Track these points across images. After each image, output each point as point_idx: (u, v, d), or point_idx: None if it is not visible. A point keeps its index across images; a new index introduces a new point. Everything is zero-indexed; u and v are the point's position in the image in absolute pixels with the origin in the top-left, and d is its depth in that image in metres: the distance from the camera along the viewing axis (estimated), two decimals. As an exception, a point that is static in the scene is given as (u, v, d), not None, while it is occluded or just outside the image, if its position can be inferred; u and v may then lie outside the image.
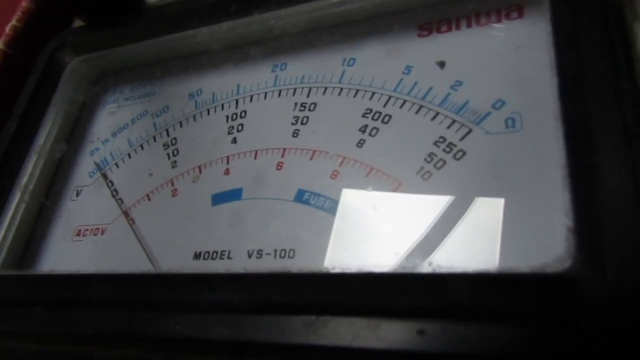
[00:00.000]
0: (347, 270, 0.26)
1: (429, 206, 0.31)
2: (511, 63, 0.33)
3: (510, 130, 0.32)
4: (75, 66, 0.49)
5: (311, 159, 0.37)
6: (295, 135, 0.39)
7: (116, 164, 0.45)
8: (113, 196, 0.43)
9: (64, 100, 0.48)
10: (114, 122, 0.48)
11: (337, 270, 0.26)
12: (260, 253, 0.34)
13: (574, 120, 0.24)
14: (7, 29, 0.57)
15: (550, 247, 0.23)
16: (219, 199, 0.39)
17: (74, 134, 0.49)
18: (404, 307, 0.22)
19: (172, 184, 0.41)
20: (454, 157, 0.32)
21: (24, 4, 0.56)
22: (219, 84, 0.45)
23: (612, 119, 0.25)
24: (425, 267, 0.26)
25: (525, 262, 0.23)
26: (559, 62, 0.27)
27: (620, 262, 0.21)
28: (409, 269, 0.26)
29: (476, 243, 0.27)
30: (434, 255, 0.27)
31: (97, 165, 0.45)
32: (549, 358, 0.21)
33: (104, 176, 0.44)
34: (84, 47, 0.50)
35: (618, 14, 0.29)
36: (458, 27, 0.37)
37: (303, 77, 0.41)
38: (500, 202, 0.29)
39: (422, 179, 0.32)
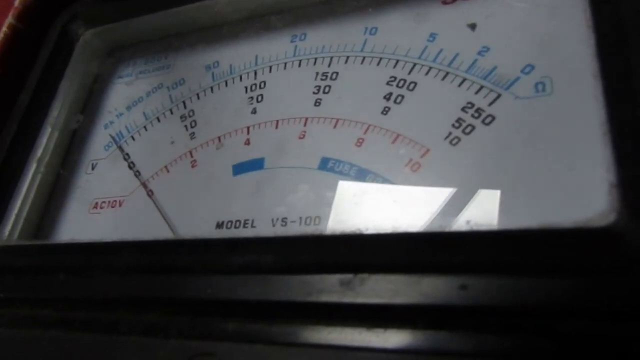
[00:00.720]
0: (382, 231, 0.26)
1: (459, 169, 0.31)
2: (541, 26, 0.33)
3: (540, 94, 0.31)
4: (88, 39, 0.48)
5: (334, 127, 0.36)
6: (317, 104, 0.38)
7: (132, 136, 0.45)
8: (130, 168, 0.42)
9: (78, 73, 0.47)
10: (129, 95, 0.48)
11: (371, 231, 0.26)
12: (284, 221, 0.34)
13: (614, 76, 0.24)
14: (17, 2, 0.57)
15: (593, 203, 0.23)
16: (240, 169, 0.38)
17: (88, 107, 0.48)
18: (446, 263, 0.22)
19: (191, 155, 0.41)
20: (482, 122, 0.32)
21: (32, -23, 0.56)
22: (236, 55, 0.44)
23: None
24: (463, 226, 0.26)
25: (568, 218, 0.23)
26: (595, 19, 0.27)
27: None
28: (446, 227, 0.26)
29: (512, 202, 0.27)
30: (470, 214, 0.27)
31: (113, 138, 0.45)
32: (594, 311, 0.21)
33: (120, 149, 0.44)
34: (96, 19, 0.49)
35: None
36: (483, -6, 0.37)
37: (324, 46, 0.40)
38: (535, 163, 0.29)
39: (451, 145, 0.32)
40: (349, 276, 0.24)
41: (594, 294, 0.21)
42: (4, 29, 0.56)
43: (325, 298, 0.24)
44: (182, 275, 0.28)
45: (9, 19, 0.56)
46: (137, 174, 0.42)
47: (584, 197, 0.25)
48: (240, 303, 0.25)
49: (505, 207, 0.27)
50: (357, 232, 0.26)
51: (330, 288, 0.24)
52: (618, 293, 0.21)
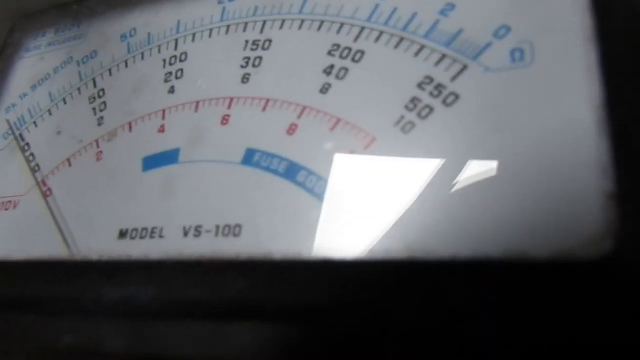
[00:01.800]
0: (305, 256, 0.20)
1: (410, 168, 0.25)
2: None
3: (518, 64, 0.25)
4: None
5: (264, 110, 0.29)
6: (245, 81, 0.31)
7: (34, 122, 0.38)
8: (27, 162, 0.36)
9: None
10: (35, 72, 0.40)
11: (291, 255, 0.20)
12: (198, 230, 0.28)
13: (614, 39, 0.18)
14: None
15: (581, 223, 0.18)
16: (152, 162, 0.31)
17: None
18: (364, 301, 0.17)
19: (98, 146, 0.34)
20: (443, 102, 0.26)
21: None
22: (156, 21, 0.36)
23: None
24: (402, 252, 0.20)
25: (545, 245, 0.17)
26: None
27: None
28: (383, 253, 0.20)
29: (472, 217, 0.21)
30: (414, 236, 0.21)
31: (10, 124, 0.38)
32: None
33: (19, 138, 0.37)
34: None
35: None
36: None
37: (256, 8, 0.33)
38: (505, 157, 0.23)
39: (402, 132, 0.25)
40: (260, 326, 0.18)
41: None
42: None
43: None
44: (34, 312, 0.22)
45: None
46: (35, 169, 0.36)
47: (570, 213, 0.18)
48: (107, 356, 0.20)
49: (462, 225, 0.21)
50: (269, 256, 0.20)
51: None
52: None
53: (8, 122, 0.37)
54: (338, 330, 0.16)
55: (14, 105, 0.39)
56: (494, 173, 0.22)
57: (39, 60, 0.41)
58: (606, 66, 0.17)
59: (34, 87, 0.39)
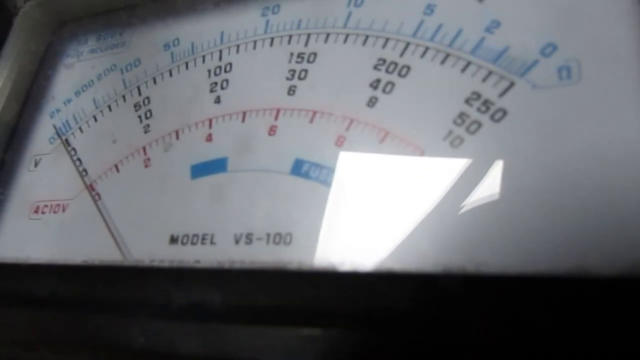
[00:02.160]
0: (360, 268, 0.21)
1: (460, 181, 0.26)
2: None
3: (565, 82, 0.26)
4: (29, 11, 0.42)
5: (311, 121, 0.30)
6: (291, 92, 0.32)
7: (80, 128, 0.39)
8: (75, 167, 0.37)
9: (17, 52, 0.41)
10: (77, 78, 0.41)
11: (347, 267, 0.21)
12: (249, 238, 0.29)
13: None
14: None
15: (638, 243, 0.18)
16: (200, 170, 0.32)
17: (31, 92, 0.42)
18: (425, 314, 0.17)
19: (145, 152, 0.35)
20: (491, 117, 0.26)
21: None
22: (199, 31, 0.37)
23: None
24: (465, 266, 0.20)
25: (604, 262, 0.18)
26: None
27: None
28: (441, 266, 0.21)
29: (528, 232, 0.22)
30: (473, 249, 0.22)
31: (57, 129, 0.39)
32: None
33: (66, 143, 0.38)
34: None
35: None
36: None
37: (300, 21, 0.34)
38: (557, 174, 0.23)
39: (451, 146, 0.27)
40: (317, 331, 0.19)
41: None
42: None
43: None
44: (113, 314, 0.23)
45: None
46: (83, 173, 0.37)
47: (631, 234, 0.20)
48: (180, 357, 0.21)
49: (517, 239, 0.21)
50: (331, 269, 0.21)
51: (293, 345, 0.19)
52: None
53: (54, 127, 0.38)
54: (406, 340, 0.17)
55: (58, 110, 0.41)
56: (545, 189, 0.22)
57: (82, 67, 0.42)
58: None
59: (77, 93, 0.40)
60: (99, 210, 0.32)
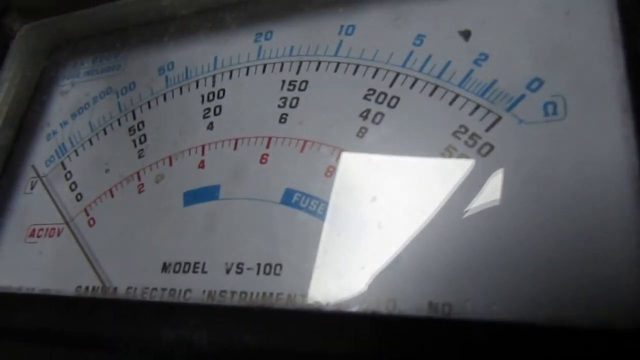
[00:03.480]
0: (345, 308, 0.21)
1: (449, 215, 0.26)
2: (553, 32, 0.27)
3: (550, 118, 0.26)
4: (26, 34, 0.43)
5: (301, 150, 0.30)
6: (282, 120, 0.32)
7: (75, 151, 0.39)
8: (72, 190, 0.37)
9: (13, 76, 0.41)
10: (74, 101, 0.41)
11: (331, 306, 0.21)
12: (240, 267, 0.29)
13: None
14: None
15: (619, 291, 0.19)
16: (192, 197, 0.32)
17: (27, 114, 0.43)
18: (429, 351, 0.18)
19: (139, 178, 0.35)
20: (478, 152, 0.27)
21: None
22: (194, 56, 0.38)
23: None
24: (457, 310, 0.21)
25: (583, 312, 0.18)
26: (625, 29, 0.21)
27: None
28: (427, 310, 0.21)
29: (506, 273, 0.22)
30: (461, 288, 0.22)
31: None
32: None
33: (62, 166, 0.39)
34: (34, 12, 0.43)
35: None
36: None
37: (292, 48, 0.34)
38: (540, 214, 0.24)
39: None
40: None
41: None
42: None
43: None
44: (97, 350, 0.23)
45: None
46: (78, 197, 0.37)
47: (609, 278, 0.20)
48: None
49: (497, 281, 0.21)
50: (316, 308, 0.21)
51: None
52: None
53: (54, 149, 0.39)
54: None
55: (54, 133, 0.41)
56: (527, 226, 0.23)
57: (78, 89, 0.42)
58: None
59: (74, 116, 0.41)
60: (79, 241, 0.32)
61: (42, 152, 0.40)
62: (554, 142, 0.24)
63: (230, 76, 0.36)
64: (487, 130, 0.26)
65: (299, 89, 0.33)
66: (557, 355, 0.16)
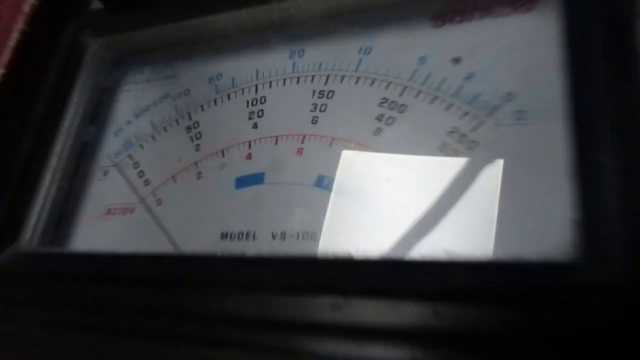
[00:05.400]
0: (369, 256, 0.29)
1: (444, 194, 0.34)
2: (522, 57, 0.35)
3: (519, 123, 0.33)
4: (96, 48, 0.51)
5: (330, 145, 0.39)
6: (314, 122, 0.40)
7: (140, 145, 0.47)
8: (140, 177, 0.45)
9: (87, 81, 0.49)
10: (137, 103, 0.50)
11: (360, 256, 0.29)
12: (283, 235, 0.37)
13: (579, 118, 0.26)
14: (26, 7, 0.58)
15: (554, 238, 0.26)
16: (242, 182, 0.41)
17: (99, 114, 0.50)
18: (422, 289, 0.25)
19: (197, 166, 0.43)
20: (466, 147, 0.34)
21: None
22: (238, 69, 0.46)
23: (616, 119, 0.27)
24: (439, 253, 0.28)
25: (530, 250, 0.26)
26: (567, 60, 0.28)
27: (622, 255, 0.23)
28: (425, 254, 0.29)
29: (483, 230, 0.29)
30: (447, 241, 0.30)
31: (122, 145, 0.47)
32: (546, 342, 0.24)
33: (129, 157, 0.46)
34: (104, 29, 0.51)
35: (623, 13, 0.30)
36: (471, 19, 0.38)
37: (321, 64, 0.42)
38: (508, 192, 0.31)
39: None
40: (339, 299, 0.27)
41: (547, 325, 0.24)
42: (15, 34, 0.57)
43: (317, 318, 0.27)
44: (187, 289, 0.31)
45: (20, 25, 0.57)
46: (146, 182, 0.44)
47: (548, 231, 0.27)
48: (241, 319, 0.28)
49: (477, 235, 0.29)
50: (347, 256, 0.29)
51: (322, 310, 0.27)
52: (572, 327, 0.24)
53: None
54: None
55: (120, 130, 0.48)
56: (500, 203, 0.30)
57: (139, 94, 0.50)
58: (573, 137, 0.26)
59: (137, 116, 0.48)
60: (153, 214, 0.40)
61: (111, 146, 0.48)
62: (520, 140, 0.32)
63: (270, 86, 0.43)
64: (473, 130, 0.34)
65: (327, 97, 0.40)
66: (510, 285, 0.24)
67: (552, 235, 0.27)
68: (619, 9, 0.30)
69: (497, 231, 0.29)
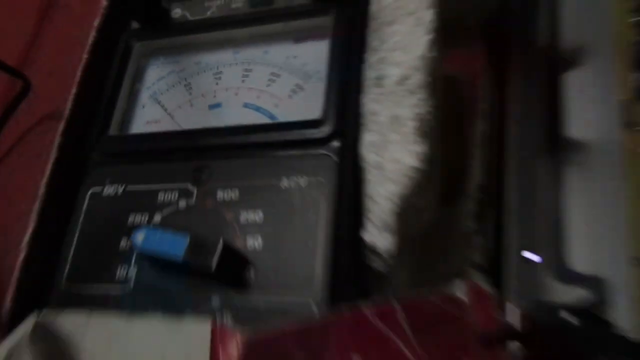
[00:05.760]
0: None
1: None
2: None
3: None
4: (138, 48, 0.65)
5: (238, 90, 0.62)
6: (243, 81, 0.63)
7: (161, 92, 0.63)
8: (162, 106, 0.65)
9: (130, 73, 0.63)
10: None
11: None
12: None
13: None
14: (102, 7, 0.63)
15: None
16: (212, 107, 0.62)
17: (131, 97, 0.65)
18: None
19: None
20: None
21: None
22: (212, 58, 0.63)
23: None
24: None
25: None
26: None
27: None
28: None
29: None
30: None
31: None
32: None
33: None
34: (144, 37, 0.65)
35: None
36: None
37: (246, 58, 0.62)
38: None
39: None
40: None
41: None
42: (94, 33, 0.62)
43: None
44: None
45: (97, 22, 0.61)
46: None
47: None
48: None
49: None
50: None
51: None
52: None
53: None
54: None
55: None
56: None
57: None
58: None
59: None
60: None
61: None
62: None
63: (224, 67, 0.61)
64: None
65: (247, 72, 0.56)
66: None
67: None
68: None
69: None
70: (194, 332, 0.29)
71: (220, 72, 0.56)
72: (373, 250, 0.31)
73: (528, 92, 0.39)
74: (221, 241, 0.33)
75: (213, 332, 0.29)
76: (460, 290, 0.30)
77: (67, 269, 0.41)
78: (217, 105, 0.51)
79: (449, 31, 0.36)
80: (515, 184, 0.38)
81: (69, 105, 0.49)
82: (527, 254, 0.36)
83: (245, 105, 0.49)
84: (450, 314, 0.25)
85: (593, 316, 0.31)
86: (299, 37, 0.48)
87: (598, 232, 0.36)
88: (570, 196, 0.39)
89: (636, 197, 0.31)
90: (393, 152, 0.34)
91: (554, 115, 0.37)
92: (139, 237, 0.36)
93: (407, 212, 0.31)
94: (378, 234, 0.32)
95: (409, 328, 0.25)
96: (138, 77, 0.56)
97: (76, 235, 0.43)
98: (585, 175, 0.39)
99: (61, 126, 0.48)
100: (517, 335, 0.26)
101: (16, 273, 0.36)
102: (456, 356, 0.25)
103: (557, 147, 0.38)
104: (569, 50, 0.41)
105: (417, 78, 0.35)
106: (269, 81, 0.50)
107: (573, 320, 0.31)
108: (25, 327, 0.30)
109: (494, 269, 0.36)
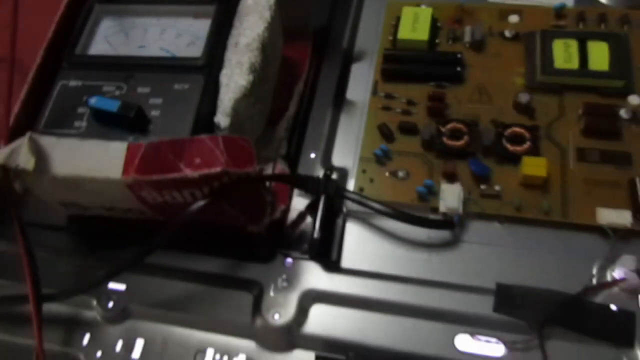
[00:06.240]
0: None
1: None
2: None
3: None
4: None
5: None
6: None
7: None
8: None
9: None
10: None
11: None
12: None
13: None
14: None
15: None
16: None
17: None
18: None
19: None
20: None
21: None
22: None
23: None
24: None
25: None
26: None
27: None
28: None
29: None
30: None
31: None
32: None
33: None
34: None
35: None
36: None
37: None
38: None
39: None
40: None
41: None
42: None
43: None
44: None
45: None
46: None
47: None
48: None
49: None
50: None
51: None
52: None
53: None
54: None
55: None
56: None
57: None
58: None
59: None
60: None
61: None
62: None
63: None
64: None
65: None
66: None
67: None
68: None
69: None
70: (118, 146, 0.42)
71: (147, 29, 0.67)
72: (218, 126, 0.46)
73: (328, 74, 0.61)
74: (137, 105, 0.47)
75: (128, 146, 0.41)
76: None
77: (44, 120, 0.53)
78: (143, 46, 0.63)
79: (290, 30, 0.56)
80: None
81: (50, 30, 0.60)
82: (312, 154, 0.54)
83: (161, 49, 0.60)
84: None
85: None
86: (197, 14, 0.61)
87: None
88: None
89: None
90: (235, 78, 0.48)
91: (342, 84, 0.61)
92: (93, 99, 0.48)
93: (240, 105, 0.46)
94: (222, 117, 0.46)
95: (224, 150, 0.41)
96: (96, 23, 0.67)
97: (51, 103, 0.54)
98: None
99: (44, 45, 0.59)
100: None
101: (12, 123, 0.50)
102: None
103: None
104: (356, 52, 0.60)
105: (255, 45, 0.49)
106: (175, 38, 0.62)
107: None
108: (22, 139, 0.42)
109: (291, 161, 0.55)
